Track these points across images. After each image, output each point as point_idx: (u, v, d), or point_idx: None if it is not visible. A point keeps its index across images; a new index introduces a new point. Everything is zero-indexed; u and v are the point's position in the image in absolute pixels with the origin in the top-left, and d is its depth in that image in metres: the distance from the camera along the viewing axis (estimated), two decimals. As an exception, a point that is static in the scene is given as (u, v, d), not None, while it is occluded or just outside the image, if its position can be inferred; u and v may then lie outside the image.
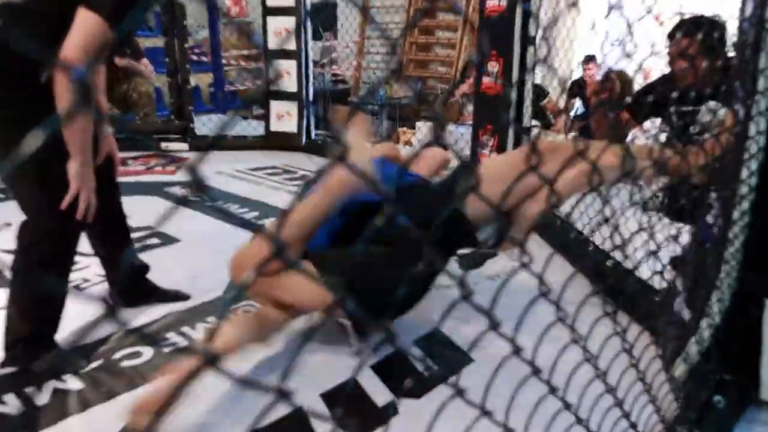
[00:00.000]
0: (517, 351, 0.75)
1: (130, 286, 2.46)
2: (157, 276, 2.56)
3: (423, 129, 5.60)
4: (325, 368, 1.92)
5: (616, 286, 2.09)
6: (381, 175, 2.03)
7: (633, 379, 1.17)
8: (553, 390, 0.87)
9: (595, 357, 0.94)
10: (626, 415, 1.16)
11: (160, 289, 2.47)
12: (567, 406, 0.92)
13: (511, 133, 3.77)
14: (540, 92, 5.20)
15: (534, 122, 4.26)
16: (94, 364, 1.98)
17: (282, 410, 1.73)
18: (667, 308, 1.64)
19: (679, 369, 1.70)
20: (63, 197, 1.78)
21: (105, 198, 2.05)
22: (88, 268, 2.62)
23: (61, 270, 1.93)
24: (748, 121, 1.47)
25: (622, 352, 1.06)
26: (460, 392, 0.67)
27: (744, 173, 1.54)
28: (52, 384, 1.87)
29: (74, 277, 2.51)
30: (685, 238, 1.61)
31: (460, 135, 5.07)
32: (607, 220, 0.90)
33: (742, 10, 1.54)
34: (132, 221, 2.85)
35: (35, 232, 1.86)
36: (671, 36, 2.50)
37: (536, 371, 0.80)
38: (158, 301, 2.42)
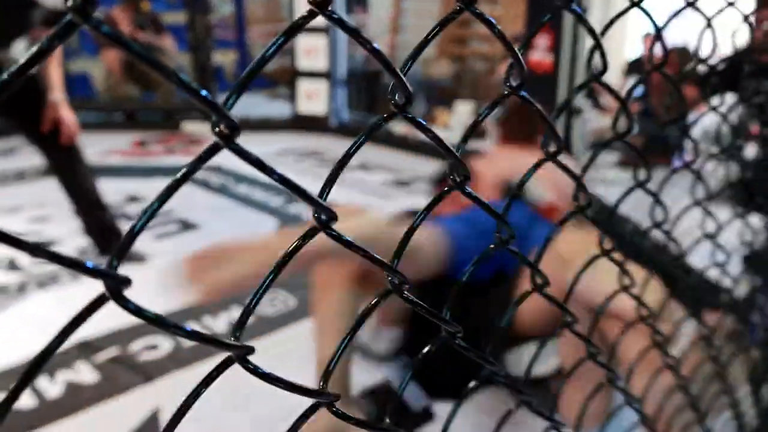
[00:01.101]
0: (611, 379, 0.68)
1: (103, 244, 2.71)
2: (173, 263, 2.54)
3: (461, 110, 5.49)
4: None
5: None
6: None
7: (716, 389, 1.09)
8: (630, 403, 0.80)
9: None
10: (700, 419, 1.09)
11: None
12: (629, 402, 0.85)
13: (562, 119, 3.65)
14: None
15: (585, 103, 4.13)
16: (108, 354, 1.97)
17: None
18: (751, 311, 1.54)
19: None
20: None
21: (63, 172, 2.52)
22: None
23: None
24: None
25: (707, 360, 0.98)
26: (528, 403, 0.61)
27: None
28: (64, 377, 1.86)
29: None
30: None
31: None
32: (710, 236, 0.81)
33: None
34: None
35: None
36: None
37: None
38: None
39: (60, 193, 2.59)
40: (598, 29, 0.53)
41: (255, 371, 0.33)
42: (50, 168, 2.61)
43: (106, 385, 1.83)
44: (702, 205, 0.77)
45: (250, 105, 7.01)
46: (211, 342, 0.30)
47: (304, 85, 5.53)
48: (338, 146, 5.18)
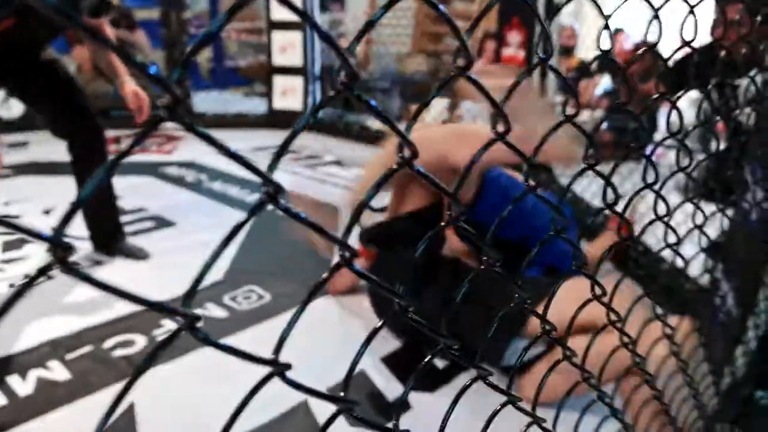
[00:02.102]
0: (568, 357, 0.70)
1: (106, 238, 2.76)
2: (155, 262, 2.54)
3: (437, 106, 5.51)
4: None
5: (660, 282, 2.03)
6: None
7: (674, 371, 1.12)
8: (588, 381, 0.82)
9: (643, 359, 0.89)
10: (666, 411, 1.12)
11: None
12: (600, 397, 0.87)
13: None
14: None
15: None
16: (81, 352, 1.96)
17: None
18: (710, 303, 1.58)
19: (726, 381, 1.64)
20: None
21: (87, 164, 2.57)
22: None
23: None
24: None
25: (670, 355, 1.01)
26: (483, 378, 0.62)
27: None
28: (36, 373, 1.85)
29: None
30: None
31: (478, 112, 4.99)
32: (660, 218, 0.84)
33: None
34: (125, 203, 2.79)
35: None
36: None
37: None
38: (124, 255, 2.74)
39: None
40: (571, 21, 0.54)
41: (205, 339, 0.34)
42: (75, 159, 2.60)
43: (79, 383, 1.82)
44: (655, 190, 0.79)
45: (227, 102, 6.98)
46: (159, 308, 0.31)
47: (279, 82, 5.52)
48: (314, 142, 5.18)
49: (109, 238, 2.74)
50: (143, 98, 2.49)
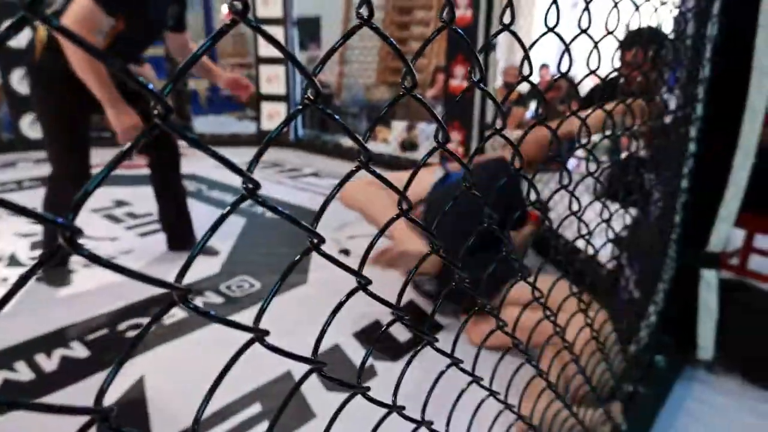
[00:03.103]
0: (500, 327, 0.71)
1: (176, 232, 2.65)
2: (162, 257, 2.49)
3: (398, 127, 5.54)
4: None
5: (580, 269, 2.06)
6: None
7: (589, 339, 1.14)
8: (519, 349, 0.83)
9: (563, 329, 0.91)
10: (582, 371, 1.13)
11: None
12: (529, 360, 0.88)
13: (475, 130, 3.74)
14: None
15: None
16: (98, 334, 1.92)
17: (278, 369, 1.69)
18: (617, 287, 1.61)
19: (632, 348, 1.67)
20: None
21: (167, 169, 2.50)
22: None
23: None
24: (693, 105, 1.44)
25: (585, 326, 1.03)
26: (430, 343, 0.63)
27: (685, 154, 1.52)
28: (60, 352, 1.80)
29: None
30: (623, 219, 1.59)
31: (431, 132, 5.03)
32: (574, 213, 0.86)
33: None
34: (137, 208, 2.74)
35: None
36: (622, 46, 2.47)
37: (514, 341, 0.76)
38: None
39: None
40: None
41: (195, 309, 0.34)
42: (155, 164, 2.51)
43: (96, 360, 1.78)
44: (570, 191, 0.81)
45: (222, 124, 6.91)
46: (153, 282, 0.31)
47: (266, 107, 5.51)
48: (295, 157, 5.17)
49: (183, 240, 2.64)
50: (242, 79, 2.38)
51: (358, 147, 0.43)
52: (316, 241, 0.41)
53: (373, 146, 5.35)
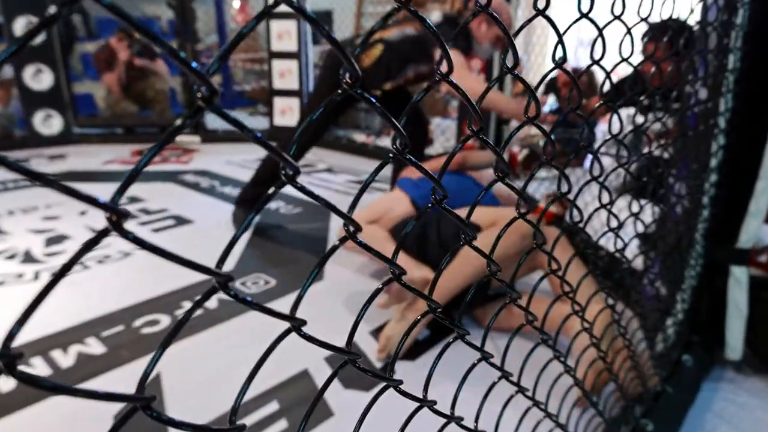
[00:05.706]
0: (530, 321, 0.70)
1: None
2: (177, 252, 2.51)
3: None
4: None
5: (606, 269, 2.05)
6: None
7: (616, 336, 1.13)
8: (544, 340, 0.82)
9: (591, 325, 0.90)
10: (609, 368, 1.13)
11: None
12: (557, 355, 0.88)
13: (493, 125, 3.72)
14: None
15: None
16: (114, 330, 1.94)
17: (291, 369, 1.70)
18: (641, 283, 1.60)
19: (659, 346, 1.66)
20: None
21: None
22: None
23: None
24: (717, 97, 1.42)
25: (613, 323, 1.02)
26: (462, 336, 0.62)
27: (713, 147, 1.50)
28: (76, 348, 1.82)
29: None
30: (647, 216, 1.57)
31: (446, 127, 5.02)
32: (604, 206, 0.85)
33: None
34: (150, 204, 2.75)
35: None
36: (645, 38, 2.44)
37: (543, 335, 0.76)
38: None
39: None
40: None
41: (236, 297, 0.34)
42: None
43: (113, 356, 1.79)
44: (600, 182, 0.80)
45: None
46: (197, 267, 0.31)
47: (279, 103, 5.51)
48: (309, 153, 5.17)
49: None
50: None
51: (395, 133, 0.42)
52: (353, 229, 0.41)
53: (387, 142, 5.35)
